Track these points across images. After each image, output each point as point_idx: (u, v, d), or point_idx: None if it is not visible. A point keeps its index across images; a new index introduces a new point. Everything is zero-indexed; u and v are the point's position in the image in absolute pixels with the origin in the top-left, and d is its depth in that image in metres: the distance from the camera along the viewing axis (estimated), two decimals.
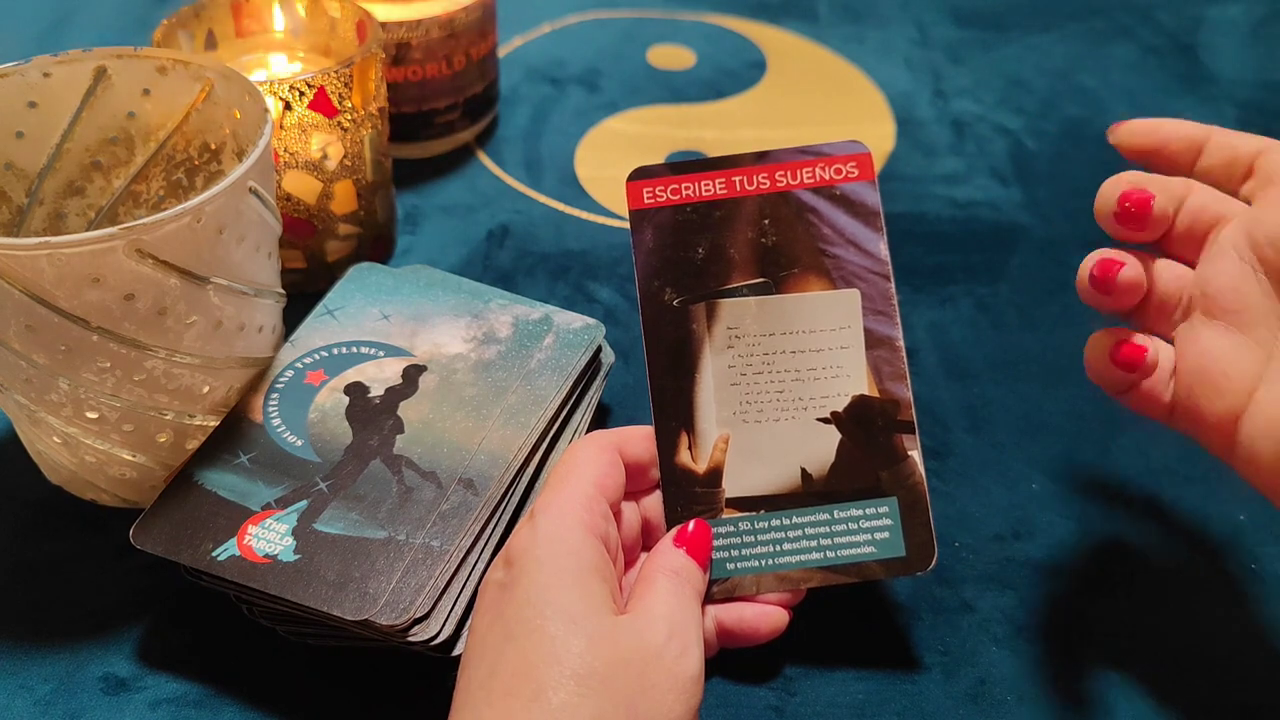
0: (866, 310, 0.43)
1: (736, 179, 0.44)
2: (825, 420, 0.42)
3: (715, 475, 0.42)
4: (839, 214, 0.43)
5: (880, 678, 0.43)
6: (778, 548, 0.42)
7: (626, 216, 0.44)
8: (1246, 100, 0.77)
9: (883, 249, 0.43)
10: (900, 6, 0.87)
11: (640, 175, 0.44)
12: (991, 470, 0.51)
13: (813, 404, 0.42)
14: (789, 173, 0.43)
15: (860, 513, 0.42)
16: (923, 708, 0.42)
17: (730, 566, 0.41)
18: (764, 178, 0.44)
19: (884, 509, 0.42)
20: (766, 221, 0.43)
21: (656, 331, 0.43)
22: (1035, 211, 0.66)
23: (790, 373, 0.43)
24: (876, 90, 0.77)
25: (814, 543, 0.42)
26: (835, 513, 0.42)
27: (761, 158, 0.44)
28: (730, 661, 0.42)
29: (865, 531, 0.42)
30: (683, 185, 0.44)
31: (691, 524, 0.40)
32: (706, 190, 0.44)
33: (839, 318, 0.43)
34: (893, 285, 0.43)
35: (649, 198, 0.44)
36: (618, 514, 0.40)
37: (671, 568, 0.38)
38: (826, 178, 0.43)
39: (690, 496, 0.42)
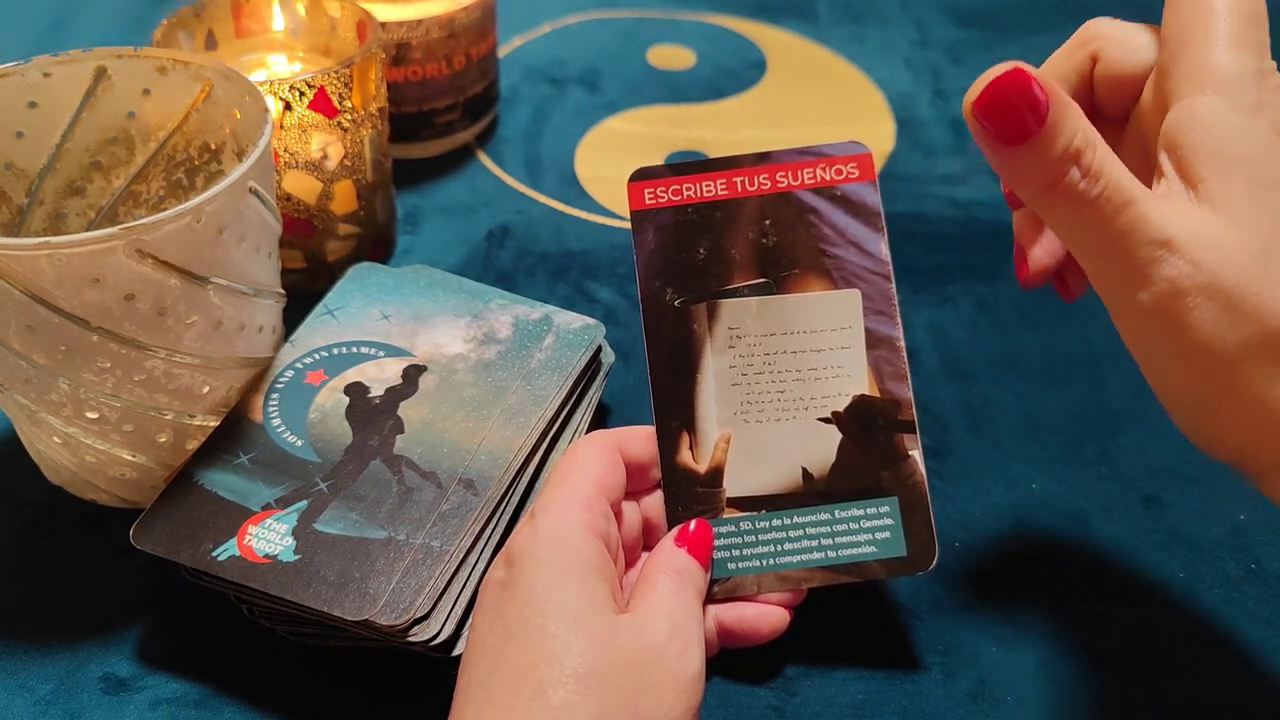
0: (867, 310, 0.43)
1: (737, 180, 0.44)
2: (826, 420, 0.42)
3: (716, 475, 0.42)
4: (840, 214, 0.43)
5: (880, 678, 0.43)
6: (779, 547, 0.42)
7: (627, 217, 0.44)
8: None
9: (883, 249, 0.43)
10: (900, 6, 0.87)
11: (641, 176, 0.44)
12: (991, 470, 0.51)
13: (814, 404, 0.42)
14: (790, 173, 0.44)
15: (861, 512, 0.42)
16: (923, 708, 0.42)
17: (731, 566, 0.41)
18: (765, 178, 0.44)
19: (885, 508, 0.42)
20: (767, 222, 0.43)
21: (658, 331, 0.43)
22: None
23: (791, 372, 0.43)
24: (876, 90, 0.77)
25: (815, 542, 0.42)
26: (836, 512, 0.42)
27: (762, 159, 0.44)
28: (731, 661, 0.42)
29: (866, 531, 0.42)
30: (684, 186, 0.44)
31: (693, 524, 0.40)
32: (708, 191, 0.44)
33: (840, 318, 0.43)
34: (893, 285, 0.43)
35: (650, 198, 0.44)
36: (618, 514, 0.40)
37: (673, 567, 0.38)
38: (827, 178, 0.44)
39: (691, 496, 0.42)
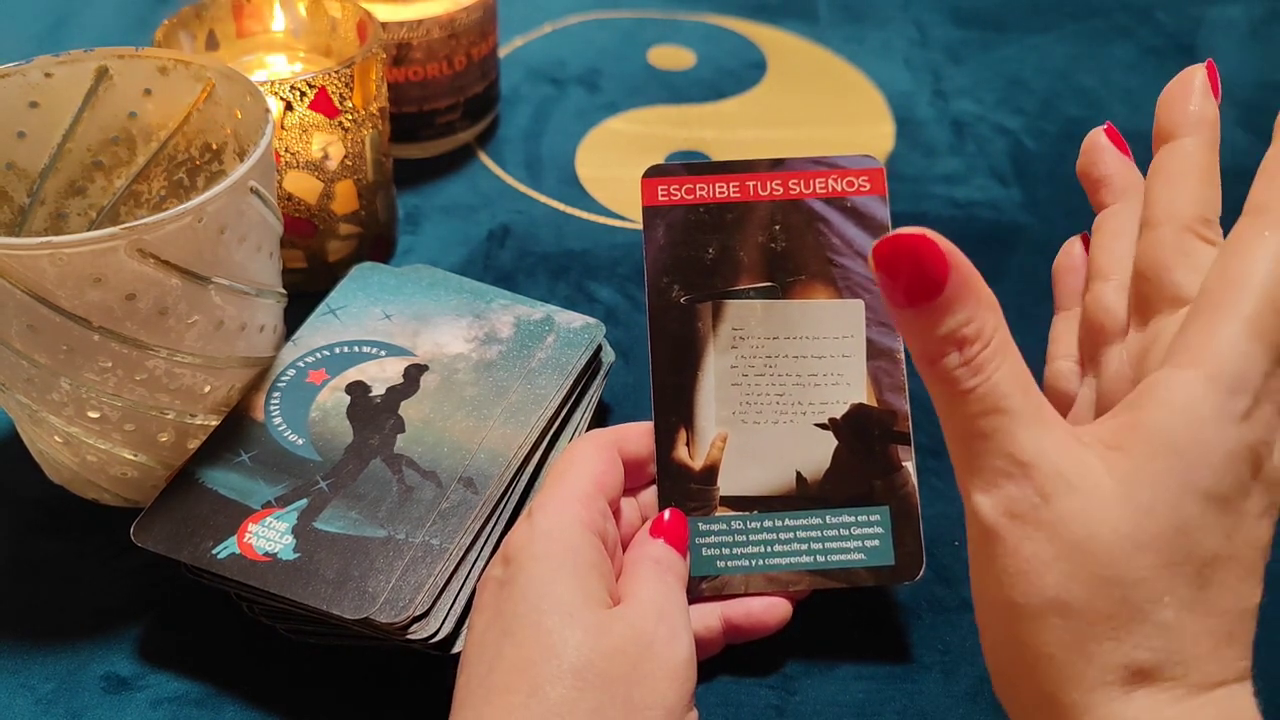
0: (870, 321, 0.43)
1: (750, 183, 0.44)
2: (823, 426, 0.43)
3: (711, 473, 0.42)
4: (849, 225, 0.44)
5: (880, 677, 0.43)
6: (768, 549, 0.42)
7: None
8: (1246, 100, 0.77)
9: None
10: (900, 6, 0.87)
11: (655, 173, 0.44)
12: None
13: (812, 409, 0.43)
14: (802, 181, 0.44)
15: (852, 519, 0.42)
16: (923, 707, 0.42)
17: (720, 564, 0.42)
18: (777, 184, 0.44)
19: (875, 517, 0.42)
20: (777, 227, 0.44)
21: (662, 327, 0.43)
22: (1035, 211, 0.66)
23: (791, 377, 0.43)
24: (876, 90, 0.77)
25: (804, 546, 0.42)
26: (827, 518, 0.42)
27: (777, 165, 0.44)
28: (732, 660, 0.42)
29: (856, 538, 0.42)
30: (697, 185, 0.44)
31: (667, 513, 0.41)
32: (720, 192, 0.44)
33: (843, 326, 0.43)
34: None
35: (663, 195, 0.44)
36: (616, 511, 0.41)
37: (652, 557, 0.39)
38: (839, 189, 0.44)
39: (684, 492, 0.42)
